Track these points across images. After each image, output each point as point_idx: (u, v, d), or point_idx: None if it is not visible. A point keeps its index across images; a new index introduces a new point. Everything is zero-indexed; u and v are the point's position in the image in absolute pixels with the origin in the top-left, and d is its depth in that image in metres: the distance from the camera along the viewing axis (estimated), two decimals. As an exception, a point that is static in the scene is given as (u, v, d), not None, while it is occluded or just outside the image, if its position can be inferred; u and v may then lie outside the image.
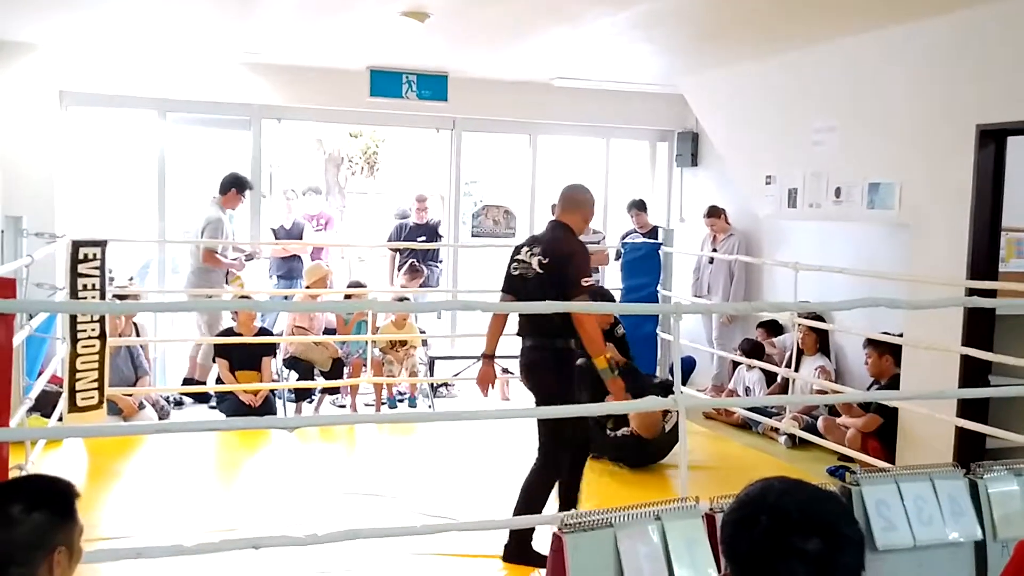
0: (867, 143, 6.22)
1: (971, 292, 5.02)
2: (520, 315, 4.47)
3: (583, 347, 4.36)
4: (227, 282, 7.64)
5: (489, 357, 4.64)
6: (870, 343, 6.35)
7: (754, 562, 1.42)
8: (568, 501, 4.37)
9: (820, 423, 6.43)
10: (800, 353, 6.89)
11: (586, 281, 4.31)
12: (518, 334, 4.50)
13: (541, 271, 4.35)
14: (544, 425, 4.45)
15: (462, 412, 7.56)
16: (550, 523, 2.35)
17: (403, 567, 4.21)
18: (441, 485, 5.54)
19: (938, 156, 5.61)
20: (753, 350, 7.40)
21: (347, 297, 7.68)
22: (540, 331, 4.37)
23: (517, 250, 4.57)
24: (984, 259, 5.39)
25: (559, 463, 4.40)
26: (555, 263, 4.34)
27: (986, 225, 5.38)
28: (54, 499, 1.98)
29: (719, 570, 2.30)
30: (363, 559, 4.16)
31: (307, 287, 7.67)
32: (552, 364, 4.39)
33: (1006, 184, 5.44)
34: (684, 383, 7.29)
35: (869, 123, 6.19)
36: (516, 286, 4.45)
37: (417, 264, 8.17)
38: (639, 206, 8.75)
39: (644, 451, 5.96)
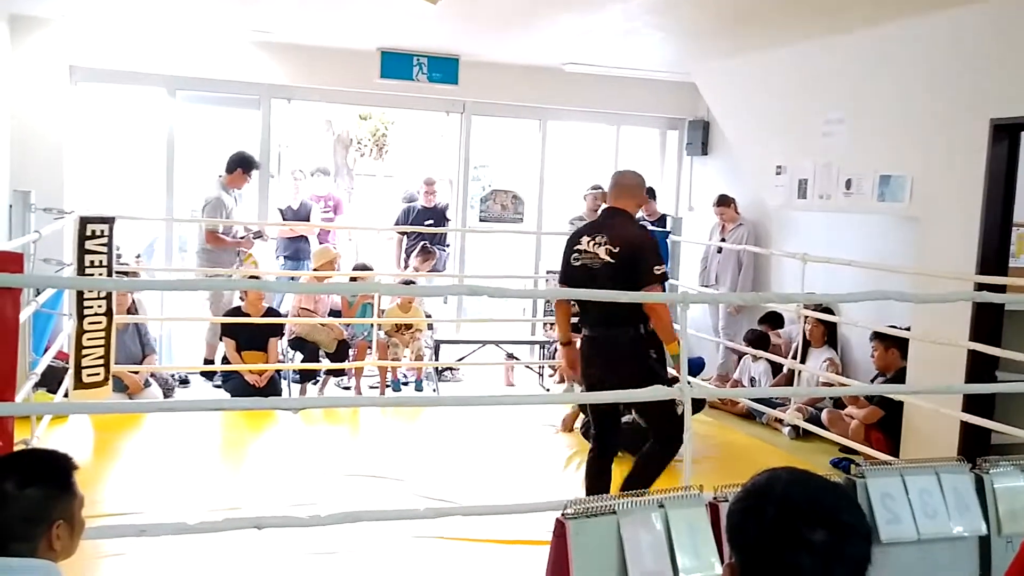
0: (879, 135, 6.18)
1: (980, 287, 5.00)
2: (589, 305, 4.35)
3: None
4: (241, 262, 7.61)
5: (568, 344, 4.65)
6: (877, 336, 6.33)
7: (760, 552, 1.41)
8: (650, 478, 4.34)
9: (824, 415, 6.42)
10: (807, 345, 6.88)
11: (658, 269, 4.25)
12: (586, 324, 4.45)
13: (612, 260, 4.27)
14: (656, 414, 4.34)
15: (466, 397, 7.58)
16: (553, 508, 2.34)
17: (405, 550, 4.22)
18: (444, 469, 5.55)
19: (951, 149, 5.57)
20: (759, 341, 7.38)
21: (352, 279, 7.68)
22: (615, 320, 4.29)
23: (576, 239, 4.46)
24: (994, 254, 5.37)
25: (678, 438, 4.37)
26: (627, 252, 4.26)
27: (997, 220, 5.35)
28: (50, 473, 1.97)
29: (722, 559, 2.29)
30: (365, 541, 4.17)
31: (315, 270, 7.67)
32: (633, 352, 4.32)
33: (1019, 179, 5.40)
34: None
35: (881, 115, 6.15)
36: (580, 277, 4.33)
37: (429, 246, 8.16)
38: (648, 193, 8.71)
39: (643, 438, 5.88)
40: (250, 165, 7.62)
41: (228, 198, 7.53)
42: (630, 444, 5.87)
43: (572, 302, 4.76)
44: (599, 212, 4.60)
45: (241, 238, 7.65)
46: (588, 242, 4.36)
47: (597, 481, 4.50)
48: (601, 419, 4.58)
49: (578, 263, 4.38)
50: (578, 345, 4.67)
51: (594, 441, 4.62)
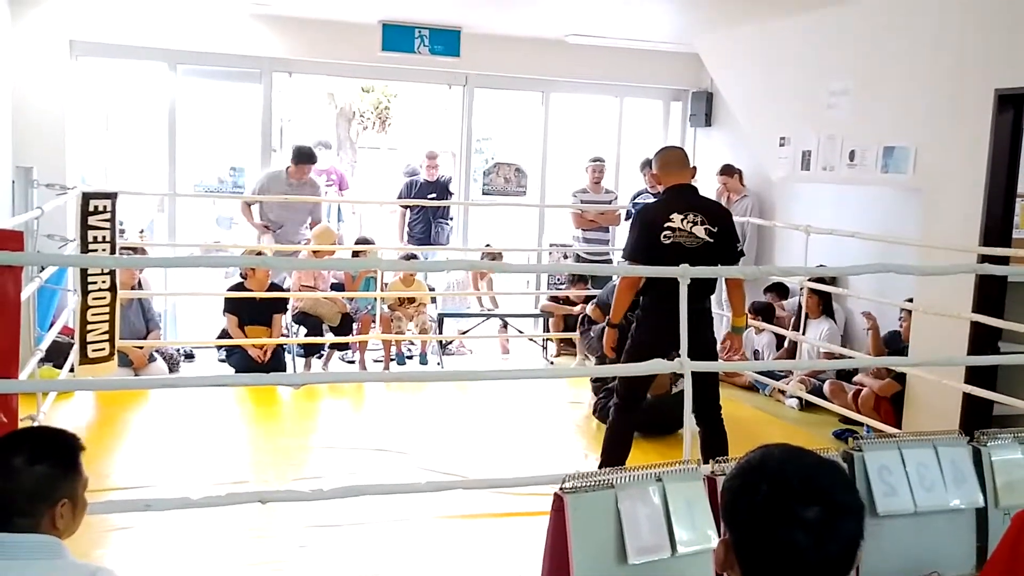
0: (883, 106, 6.14)
1: (983, 258, 4.99)
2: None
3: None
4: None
5: (616, 326, 4.63)
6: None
7: (753, 529, 1.42)
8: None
9: (827, 387, 6.43)
10: (806, 316, 6.88)
11: (739, 247, 4.44)
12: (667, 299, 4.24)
13: (711, 240, 4.30)
14: (715, 382, 4.55)
15: (470, 372, 7.62)
16: (552, 482, 2.36)
17: (408, 523, 4.26)
18: (448, 443, 5.58)
19: (955, 120, 5.53)
20: (763, 311, 7.38)
21: (355, 254, 7.68)
22: (704, 296, 4.40)
23: (663, 216, 4.33)
24: (998, 225, 5.34)
25: None
26: (725, 233, 4.36)
27: (1001, 191, 5.32)
28: (57, 451, 1.98)
29: (719, 532, 2.31)
30: (369, 514, 4.21)
31: (315, 251, 7.64)
32: (710, 323, 4.55)
33: (1023, 150, 5.37)
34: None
35: (886, 86, 6.10)
36: (672, 256, 4.14)
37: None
38: (652, 165, 8.68)
39: (656, 418, 5.57)
40: (298, 156, 7.70)
41: (279, 183, 7.64)
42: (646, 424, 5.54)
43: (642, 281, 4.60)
44: (665, 190, 4.54)
45: (266, 226, 7.73)
46: (681, 220, 4.31)
47: (625, 449, 4.56)
48: (641, 389, 4.65)
49: (669, 241, 4.30)
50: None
51: (627, 410, 4.60)
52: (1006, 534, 1.99)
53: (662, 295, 4.41)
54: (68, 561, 1.92)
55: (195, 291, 8.52)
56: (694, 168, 4.64)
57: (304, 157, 7.72)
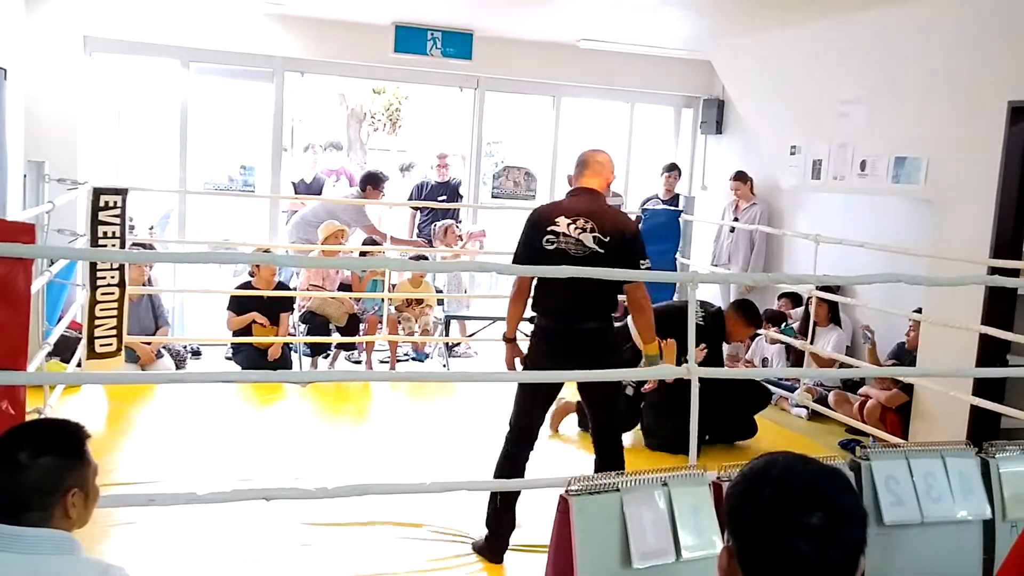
0: (895, 116, 6.13)
1: (993, 271, 4.97)
2: (570, 292, 3.77)
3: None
4: None
5: (512, 340, 4.18)
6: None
7: (757, 535, 1.42)
8: None
9: (831, 397, 6.41)
10: (815, 325, 6.87)
11: (644, 264, 3.88)
12: (549, 316, 3.98)
13: (601, 250, 3.84)
14: (612, 410, 4.16)
15: (475, 373, 7.61)
16: (557, 485, 2.36)
17: (414, 522, 4.25)
18: (453, 443, 5.58)
19: (967, 132, 5.52)
20: (775, 319, 7.36)
21: (362, 254, 7.69)
22: (600, 312, 3.94)
23: (547, 220, 3.94)
24: (1009, 237, 5.33)
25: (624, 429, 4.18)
26: (618, 242, 3.86)
27: (1013, 203, 5.30)
28: (62, 441, 1.97)
29: (724, 538, 2.30)
30: (374, 513, 4.21)
31: (321, 242, 7.65)
32: (616, 347, 4.02)
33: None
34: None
35: (898, 96, 6.09)
36: (555, 264, 3.70)
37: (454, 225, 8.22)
38: (672, 169, 8.69)
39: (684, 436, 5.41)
40: (371, 181, 8.00)
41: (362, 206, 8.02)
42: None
43: (530, 292, 4.16)
44: (568, 191, 4.15)
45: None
46: (568, 225, 3.89)
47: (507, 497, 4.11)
48: (539, 412, 4.21)
49: (552, 247, 3.89)
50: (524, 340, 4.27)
51: (515, 442, 4.19)
52: (1014, 547, 1.98)
53: (539, 311, 4.06)
54: (81, 557, 1.91)
55: (203, 288, 8.54)
56: (609, 175, 4.19)
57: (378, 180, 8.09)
